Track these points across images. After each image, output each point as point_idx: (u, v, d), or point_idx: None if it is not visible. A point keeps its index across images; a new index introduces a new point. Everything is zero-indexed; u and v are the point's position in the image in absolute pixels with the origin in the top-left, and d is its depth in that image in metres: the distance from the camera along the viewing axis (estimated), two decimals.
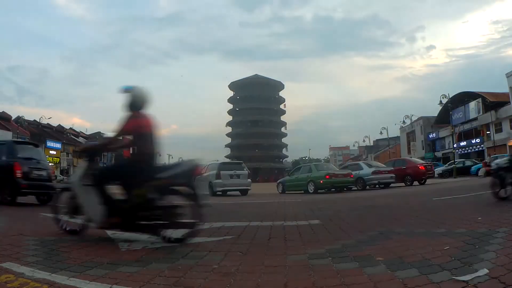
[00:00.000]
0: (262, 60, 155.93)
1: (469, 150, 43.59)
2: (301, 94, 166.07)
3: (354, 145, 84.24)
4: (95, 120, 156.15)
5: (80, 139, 66.72)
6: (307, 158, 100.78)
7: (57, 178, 40.59)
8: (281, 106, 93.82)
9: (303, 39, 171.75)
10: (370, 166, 17.34)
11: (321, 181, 14.75)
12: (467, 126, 44.26)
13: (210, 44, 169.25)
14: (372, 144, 70.94)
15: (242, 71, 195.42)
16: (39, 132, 53.74)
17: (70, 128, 66.62)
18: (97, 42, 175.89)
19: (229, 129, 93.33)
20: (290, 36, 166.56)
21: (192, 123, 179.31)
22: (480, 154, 40.39)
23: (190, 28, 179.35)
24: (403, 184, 17.65)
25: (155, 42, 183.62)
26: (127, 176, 3.71)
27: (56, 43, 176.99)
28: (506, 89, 36.58)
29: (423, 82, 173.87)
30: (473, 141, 43.53)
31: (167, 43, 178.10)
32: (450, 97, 38.71)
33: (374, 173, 16.33)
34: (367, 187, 16.41)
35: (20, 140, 19.97)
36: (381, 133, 53.48)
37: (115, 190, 3.75)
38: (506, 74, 36.10)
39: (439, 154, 49.63)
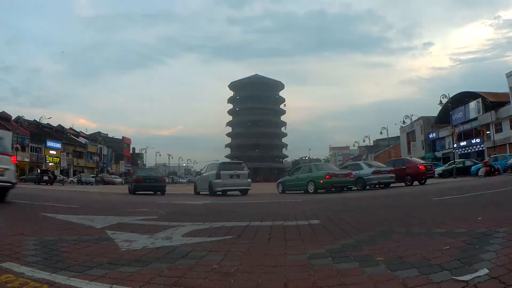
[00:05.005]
0: (262, 59, 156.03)
1: (469, 150, 43.61)
2: (301, 94, 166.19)
3: (354, 145, 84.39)
4: (100, 121, 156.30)
5: (80, 139, 66.71)
6: (307, 158, 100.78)
7: (57, 178, 40.64)
8: (281, 106, 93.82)
9: (302, 36, 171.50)
10: (370, 166, 17.34)
11: (321, 181, 14.75)
12: (467, 126, 44.27)
13: (203, 42, 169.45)
14: (372, 144, 70.96)
15: (240, 71, 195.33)
16: (39, 132, 53.75)
17: (70, 128, 66.61)
18: (94, 41, 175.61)
19: (229, 129, 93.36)
20: (292, 34, 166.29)
21: (192, 123, 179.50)
22: (480, 154, 40.39)
23: (188, 27, 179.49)
24: (403, 184, 17.66)
25: (152, 41, 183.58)
26: None
27: (52, 43, 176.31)
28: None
29: (428, 84, 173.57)
30: (473, 141, 43.54)
31: (165, 41, 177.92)
32: (450, 97, 38.72)
33: (374, 173, 16.33)
34: (367, 187, 16.40)
35: None
36: (381, 133, 53.51)
37: None
38: (506, 74, 36.13)
39: (439, 154, 49.64)
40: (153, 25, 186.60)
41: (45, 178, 34.66)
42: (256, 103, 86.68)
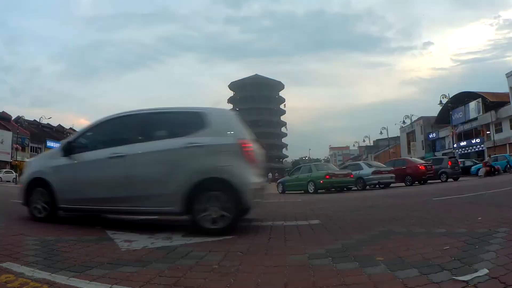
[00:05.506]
0: (262, 58, 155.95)
1: (469, 150, 43.58)
2: (301, 94, 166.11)
3: (354, 145, 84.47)
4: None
5: None
6: (307, 158, 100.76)
7: None
8: (281, 106, 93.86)
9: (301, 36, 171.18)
10: (370, 166, 17.33)
11: (321, 181, 14.75)
12: (467, 126, 44.26)
13: (202, 42, 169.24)
14: (372, 144, 70.95)
15: (240, 71, 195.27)
16: (39, 132, 53.74)
17: (70, 128, 66.53)
18: (93, 40, 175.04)
19: None
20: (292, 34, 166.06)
21: None
22: (480, 154, 40.37)
23: (186, 27, 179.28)
24: (403, 184, 17.65)
25: (151, 40, 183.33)
26: None
27: (52, 42, 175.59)
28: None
29: (429, 85, 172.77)
30: (473, 141, 43.53)
31: (164, 41, 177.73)
32: (450, 97, 38.77)
33: (374, 173, 16.32)
34: (367, 187, 16.40)
35: None
36: (381, 133, 53.55)
37: None
38: (506, 74, 36.12)
39: (439, 154, 49.63)
40: (152, 24, 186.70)
41: None
42: (256, 103, 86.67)
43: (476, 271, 2.17)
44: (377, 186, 16.78)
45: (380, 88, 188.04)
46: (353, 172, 16.18)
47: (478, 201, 7.02)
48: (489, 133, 40.16)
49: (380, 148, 71.90)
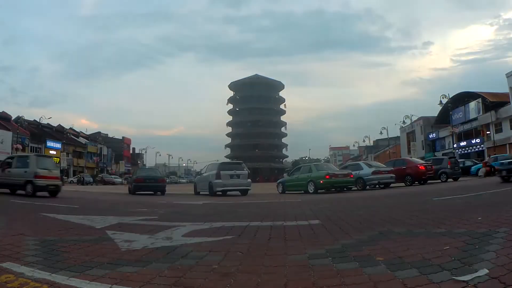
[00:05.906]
0: (262, 58, 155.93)
1: (469, 150, 43.57)
2: (301, 94, 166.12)
3: (354, 145, 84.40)
4: (101, 121, 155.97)
5: (80, 139, 66.73)
6: (307, 158, 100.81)
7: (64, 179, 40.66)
8: (281, 106, 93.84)
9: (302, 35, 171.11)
10: (370, 166, 17.34)
11: (321, 181, 14.74)
12: (467, 126, 44.26)
13: (202, 42, 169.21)
14: (372, 144, 70.92)
15: (240, 71, 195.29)
16: (39, 132, 53.75)
17: (70, 128, 66.58)
18: (93, 40, 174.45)
19: (229, 129, 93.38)
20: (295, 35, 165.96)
21: (192, 123, 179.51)
22: (480, 154, 40.38)
23: (186, 27, 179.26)
24: (403, 184, 17.66)
25: (151, 40, 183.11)
26: None
27: (51, 42, 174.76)
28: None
29: (429, 85, 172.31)
30: (473, 141, 43.54)
31: (164, 41, 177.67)
32: (450, 97, 38.77)
33: (374, 173, 16.32)
34: (367, 187, 16.40)
35: None
36: (381, 133, 53.53)
37: None
38: (506, 74, 36.12)
39: (439, 154, 49.62)
40: (151, 24, 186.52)
41: None
42: (256, 103, 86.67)
43: (476, 271, 2.16)
44: (377, 186, 16.78)
45: (380, 88, 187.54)
46: (353, 172, 16.17)
47: (478, 201, 7.03)
48: (489, 133, 40.16)
49: (380, 148, 71.90)
